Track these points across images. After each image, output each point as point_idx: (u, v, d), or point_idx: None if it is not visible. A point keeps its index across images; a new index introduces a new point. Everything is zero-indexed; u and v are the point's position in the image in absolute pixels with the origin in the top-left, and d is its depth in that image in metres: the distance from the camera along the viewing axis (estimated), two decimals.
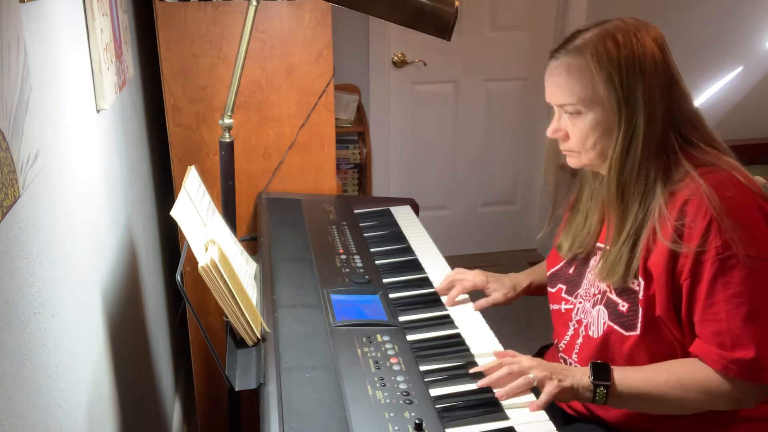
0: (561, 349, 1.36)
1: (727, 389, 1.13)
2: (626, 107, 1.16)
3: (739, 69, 3.52)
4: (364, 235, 1.75)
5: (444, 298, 1.48)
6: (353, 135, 3.10)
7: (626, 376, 1.18)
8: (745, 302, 1.10)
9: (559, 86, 1.21)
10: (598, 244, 1.31)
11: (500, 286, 1.51)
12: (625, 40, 1.16)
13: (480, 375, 1.20)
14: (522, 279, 1.55)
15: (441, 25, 1.42)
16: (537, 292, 1.56)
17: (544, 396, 1.14)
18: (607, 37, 1.17)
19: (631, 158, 1.17)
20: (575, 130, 1.22)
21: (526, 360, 1.20)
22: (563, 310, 1.36)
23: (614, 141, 1.18)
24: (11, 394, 0.74)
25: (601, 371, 1.17)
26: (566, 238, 1.38)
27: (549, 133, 1.26)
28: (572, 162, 1.28)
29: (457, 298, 1.47)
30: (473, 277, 1.50)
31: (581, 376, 1.18)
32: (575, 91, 1.19)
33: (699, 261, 1.12)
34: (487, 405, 1.13)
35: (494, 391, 1.16)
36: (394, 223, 1.86)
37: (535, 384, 1.16)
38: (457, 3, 1.41)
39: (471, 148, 3.55)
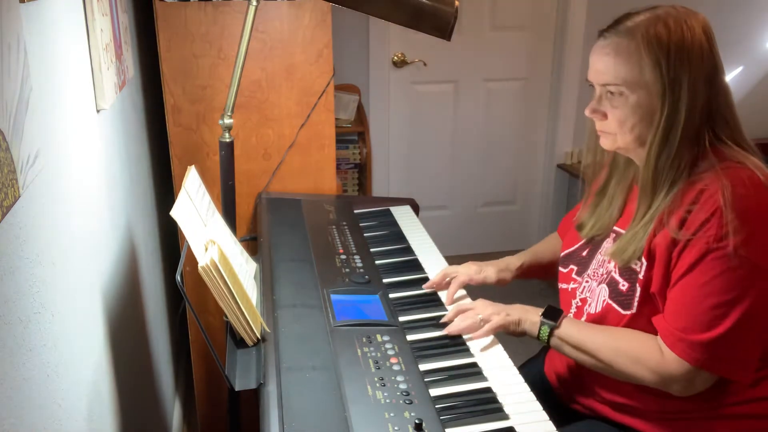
0: None
1: (655, 364, 1.16)
2: (671, 94, 1.16)
3: (739, 69, 3.52)
4: (364, 235, 1.75)
5: (443, 295, 1.48)
6: (353, 135, 3.10)
7: (572, 325, 1.27)
8: (714, 294, 1.11)
9: (606, 65, 1.20)
10: (615, 228, 1.33)
11: (493, 267, 1.54)
12: (676, 26, 1.16)
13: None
14: (515, 260, 1.58)
15: (441, 25, 1.42)
16: (530, 273, 1.59)
17: (487, 325, 1.30)
18: (659, 21, 1.17)
19: (669, 146, 1.18)
20: (615, 112, 1.22)
21: (480, 303, 1.35)
22: (569, 289, 1.39)
23: (655, 127, 1.18)
24: (11, 394, 0.74)
25: (553, 313, 1.29)
26: (589, 219, 1.39)
27: (587, 112, 1.26)
28: (606, 143, 1.27)
29: (456, 295, 1.48)
30: (466, 269, 1.52)
31: (533, 314, 1.30)
32: (621, 73, 1.18)
33: (689, 244, 1.13)
34: (487, 405, 1.13)
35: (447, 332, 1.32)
36: (394, 223, 1.86)
37: (479, 318, 1.31)
38: (457, 3, 1.41)
39: (471, 148, 3.55)
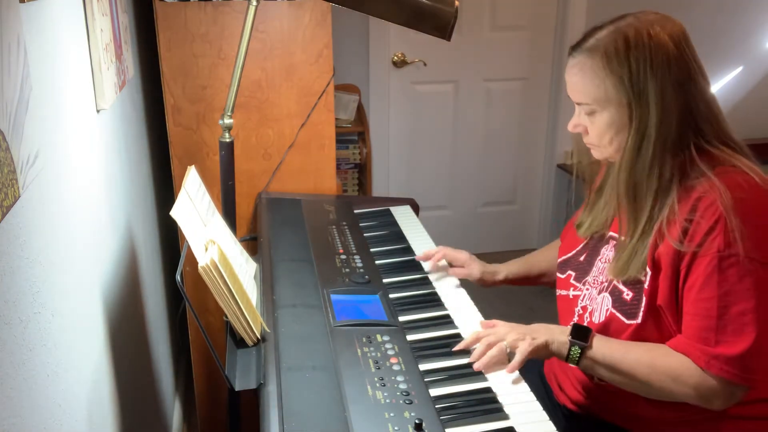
0: None
1: (696, 381, 1.13)
2: (638, 106, 1.16)
3: (739, 69, 3.52)
4: (364, 235, 1.75)
5: (443, 295, 1.48)
6: (353, 135, 3.10)
7: (603, 344, 1.21)
8: (737, 302, 1.10)
9: (575, 85, 1.22)
10: (611, 233, 1.32)
11: (480, 264, 1.60)
12: (636, 38, 1.15)
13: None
14: (500, 270, 1.62)
15: (441, 25, 1.42)
16: (517, 283, 1.64)
17: (518, 355, 1.19)
18: (619, 36, 1.16)
19: (642, 157, 1.17)
20: (593, 127, 1.24)
21: (501, 327, 1.26)
22: (571, 296, 1.37)
23: (626, 139, 1.18)
24: (11, 394, 0.74)
25: (581, 332, 1.21)
26: (587, 217, 1.39)
27: (570, 127, 1.28)
28: (596, 154, 1.29)
29: (447, 286, 1.51)
30: (458, 251, 1.60)
31: (560, 333, 1.23)
32: (590, 92, 1.20)
33: (698, 255, 1.12)
34: (487, 405, 1.13)
35: (473, 365, 1.21)
36: (394, 223, 1.87)
37: (508, 350, 1.21)
38: (457, 3, 1.41)
39: (471, 148, 3.55)
